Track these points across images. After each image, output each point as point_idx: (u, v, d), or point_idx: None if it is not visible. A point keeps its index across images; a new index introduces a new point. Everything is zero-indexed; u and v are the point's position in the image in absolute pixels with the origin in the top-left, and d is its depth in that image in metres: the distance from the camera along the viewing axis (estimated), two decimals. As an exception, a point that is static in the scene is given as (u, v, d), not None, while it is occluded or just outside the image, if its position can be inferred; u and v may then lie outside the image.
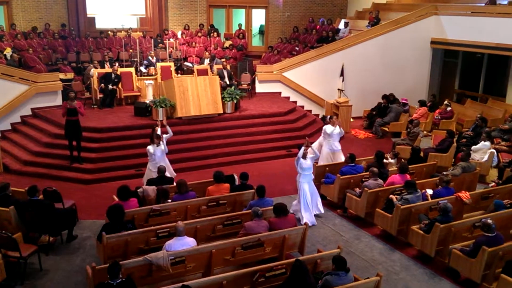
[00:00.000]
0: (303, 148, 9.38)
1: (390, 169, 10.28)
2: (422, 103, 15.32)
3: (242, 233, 7.46)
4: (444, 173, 9.73)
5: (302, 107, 15.90)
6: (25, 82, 13.45)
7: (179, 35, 19.41)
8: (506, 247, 7.20)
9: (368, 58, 16.43)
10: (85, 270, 6.57)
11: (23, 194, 8.45)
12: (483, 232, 7.25)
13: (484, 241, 7.09)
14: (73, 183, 10.99)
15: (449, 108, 15.17)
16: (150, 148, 9.86)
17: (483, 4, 15.78)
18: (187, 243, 6.93)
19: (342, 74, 16.21)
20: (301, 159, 9.24)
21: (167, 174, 9.82)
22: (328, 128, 11.31)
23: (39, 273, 7.56)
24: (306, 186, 9.38)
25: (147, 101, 13.60)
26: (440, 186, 9.14)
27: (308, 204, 9.34)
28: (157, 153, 9.84)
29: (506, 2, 15.59)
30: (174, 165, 10.80)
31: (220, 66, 15.69)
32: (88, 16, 19.26)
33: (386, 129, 14.87)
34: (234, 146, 12.80)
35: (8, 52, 15.46)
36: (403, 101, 15.60)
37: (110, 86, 13.95)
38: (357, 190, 9.47)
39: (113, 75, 14.09)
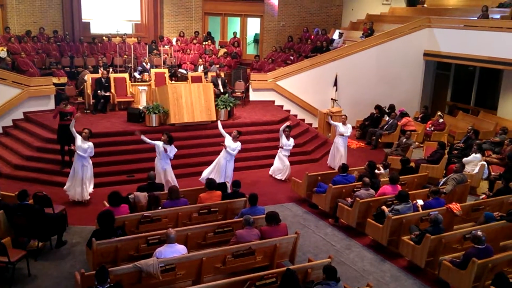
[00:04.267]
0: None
1: (381, 180, 10.31)
2: (403, 114, 15.48)
3: (233, 241, 7.44)
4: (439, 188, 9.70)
5: (296, 116, 15.94)
6: (18, 86, 13.37)
7: (174, 42, 19.44)
8: (495, 259, 7.24)
9: (362, 68, 16.54)
10: (74, 276, 6.51)
11: (13, 198, 8.38)
12: (473, 244, 7.29)
13: (474, 253, 7.11)
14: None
15: (441, 120, 15.28)
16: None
17: (476, 18, 15.96)
18: (178, 250, 6.90)
19: (335, 84, 16.30)
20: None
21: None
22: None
23: (27, 278, 7.48)
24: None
25: (141, 107, 13.59)
26: (430, 198, 9.17)
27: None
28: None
29: (498, 16, 15.77)
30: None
31: (214, 74, 15.72)
32: (83, 21, 19.24)
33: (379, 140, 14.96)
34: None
35: (2, 51, 15.38)
36: (401, 110, 15.69)
37: (102, 92, 13.90)
38: (349, 200, 9.49)
39: (103, 80, 14.06)
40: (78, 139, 9.91)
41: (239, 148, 10.98)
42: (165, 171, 10.30)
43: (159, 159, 10.27)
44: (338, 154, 12.70)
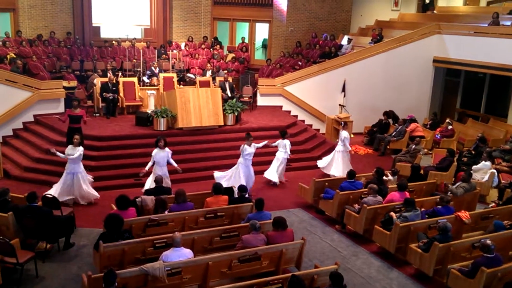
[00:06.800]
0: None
1: (389, 186, 10.26)
2: (411, 120, 15.41)
3: (239, 246, 7.43)
4: (448, 185, 9.62)
5: (303, 121, 15.92)
6: (29, 89, 13.49)
7: (182, 47, 19.54)
8: (505, 268, 7.16)
9: (370, 74, 16.50)
10: (81, 278, 6.53)
11: (22, 200, 8.44)
12: (482, 252, 7.22)
13: (483, 262, 7.05)
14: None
15: (450, 127, 15.21)
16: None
17: (486, 25, 15.88)
18: (184, 254, 6.91)
19: (343, 89, 16.27)
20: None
21: None
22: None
23: (35, 280, 7.52)
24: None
25: (149, 111, 13.64)
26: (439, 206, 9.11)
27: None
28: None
29: (509, 23, 15.68)
30: (173, 175, 10.79)
31: (222, 78, 15.77)
32: (93, 25, 19.38)
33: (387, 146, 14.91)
34: (234, 158, 12.69)
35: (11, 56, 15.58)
36: (410, 116, 15.60)
37: (110, 95, 13.99)
38: (356, 206, 9.45)
39: (109, 84, 14.14)
40: (68, 148, 10.03)
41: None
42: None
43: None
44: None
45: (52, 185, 10.32)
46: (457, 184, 10.35)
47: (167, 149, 10.38)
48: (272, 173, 11.87)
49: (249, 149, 10.83)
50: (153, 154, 10.24)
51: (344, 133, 12.41)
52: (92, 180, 10.58)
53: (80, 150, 9.97)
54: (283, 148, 11.79)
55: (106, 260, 7.04)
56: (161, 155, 10.27)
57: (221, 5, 20.94)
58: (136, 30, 20.48)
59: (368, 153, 14.94)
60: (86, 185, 10.19)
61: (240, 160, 10.88)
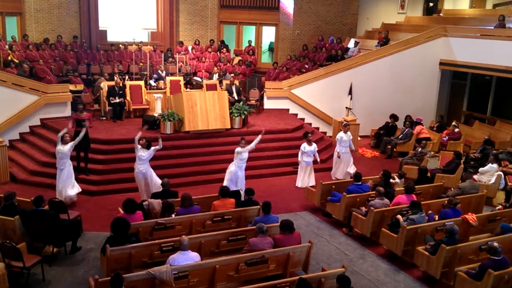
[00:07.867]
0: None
1: (396, 189, 10.23)
2: (416, 123, 15.34)
3: (246, 249, 7.43)
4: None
5: (310, 124, 15.91)
6: (35, 93, 13.56)
7: (189, 50, 19.60)
8: (512, 271, 7.13)
9: (377, 77, 16.47)
10: (87, 282, 6.54)
11: (28, 204, 8.47)
12: (489, 255, 7.18)
13: (490, 264, 7.01)
14: (79, 194, 10.98)
15: (456, 129, 15.15)
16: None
17: (493, 27, 15.82)
18: (191, 257, 6.91)
19: (350, 92, 16.26)
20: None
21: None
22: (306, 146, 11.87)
23: (42, 283, 7.55)
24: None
25: (156, 114, 13.70)
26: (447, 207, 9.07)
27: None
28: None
29: (515, 26, 15.63)
30: (180, 178, 10.83)
31: (229, 81, 15.80)
32: (100, 29, 19.50)
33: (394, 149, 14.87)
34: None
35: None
36: (418, 119, 15.54)
37: (116, 99, 14.05)
38: (363, 209, 9.43)
39: (116, 88, 14.21)
40: (59, 143, 10.20)
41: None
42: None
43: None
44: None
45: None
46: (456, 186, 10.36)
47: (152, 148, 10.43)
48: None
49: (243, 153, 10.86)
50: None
51: (339, 134, 12.56)
52: None
53: (66, 147, 10.11)
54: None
55: (113, 263, 7.05)
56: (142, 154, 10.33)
57: (228, 8, 21.00)
58: (142, 34, 20.57)
59: (375, 156, 14.91)
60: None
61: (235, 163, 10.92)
